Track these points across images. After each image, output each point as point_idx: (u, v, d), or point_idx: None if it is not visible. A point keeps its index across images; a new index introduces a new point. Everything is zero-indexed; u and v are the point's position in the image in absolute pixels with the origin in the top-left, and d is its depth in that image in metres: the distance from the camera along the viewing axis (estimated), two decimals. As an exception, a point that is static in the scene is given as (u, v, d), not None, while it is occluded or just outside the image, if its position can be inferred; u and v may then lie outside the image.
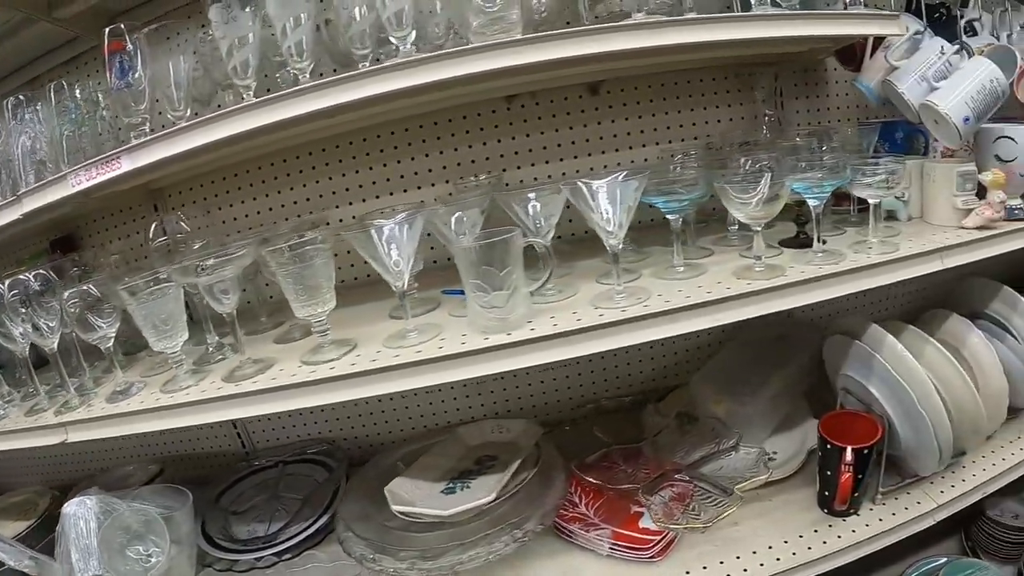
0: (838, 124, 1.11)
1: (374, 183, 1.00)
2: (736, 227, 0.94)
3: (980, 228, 0.90)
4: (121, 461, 1.11)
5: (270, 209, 1.02)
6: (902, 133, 1.02)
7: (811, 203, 0.81)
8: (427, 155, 0.99)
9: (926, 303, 1.17)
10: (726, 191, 0.76)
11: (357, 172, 0.99)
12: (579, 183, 0.73)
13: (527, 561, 0.88)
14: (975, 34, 1.02)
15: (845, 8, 0.89)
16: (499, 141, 1.00)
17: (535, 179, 1.01)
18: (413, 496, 0.89)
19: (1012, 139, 0.92)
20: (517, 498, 0.88)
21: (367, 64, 0.76)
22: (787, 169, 0.79)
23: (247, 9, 0.75)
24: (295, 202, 1.01)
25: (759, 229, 0.78)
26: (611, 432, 1.02)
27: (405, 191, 1.00)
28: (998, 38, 1.01)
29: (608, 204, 0.74)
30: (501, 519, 0.85)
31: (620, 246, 0.75)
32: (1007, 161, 0.93)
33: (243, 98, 0.76)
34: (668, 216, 0.81)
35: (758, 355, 1.03)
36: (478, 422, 1.01)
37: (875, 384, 0.89)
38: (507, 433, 0.99)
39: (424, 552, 0.81)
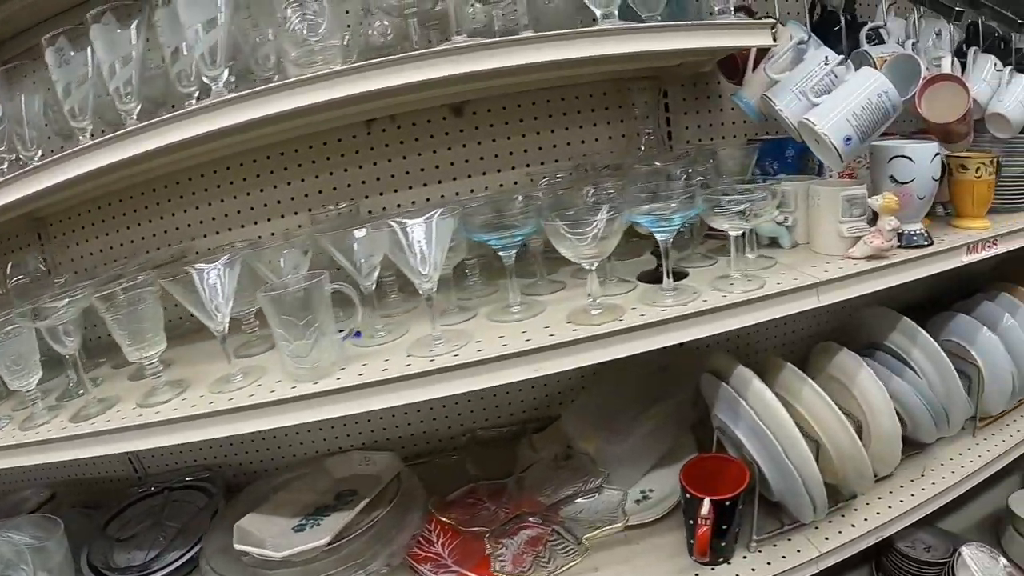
0: (724, 142, 1.03)
1: (239, 212, 0.97)
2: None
3: (869, 258, 0.83)
4: (17, 486, 1.14)
5: (143, 238, 1.01)
6: (793, 151, 0.94)
7: (659, 237, 0.75)
8: (289, 183, 0.95)
9: (839, 325, 1.09)
10: (556, 228, 0.71)
11: (222, 201, 0.97)
12: (392, 223, 0.69)
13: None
14: (880, 42, 0.93)
15: (712, 15, 0.81)
16: (360, 167, 0.95)
17: (398, 206, 0.97)
18: (263, 533, 0.87)
19: (909, 159, 0.84)
20: (368, 535, 0.86)
21: (193, 102, 0.74)
22: (632, 200, 0.74)
23: (81, 51, 0.74)
24: (165, 231, 1.00)
25: (592, 268, 0.72)
26: (486, 465, 0.99)
27: (269, 220, 0.96)
28: (904, 46, 0.91)
29: (423, 246, 0.69)
30: (349, 558, 0.83)
31: (435, 289, 0.71)
32: (903, 183, 0.84)
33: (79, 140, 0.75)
34: (501, 254, 0.76)
35: (637, 388, 0.98)
36: (346, 453, 0.99)
37: (742, 430, 0.83)
38: (372, 466, 0.97)
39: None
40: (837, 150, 0.78)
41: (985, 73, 0.93)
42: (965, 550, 0.98)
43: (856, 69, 0.82)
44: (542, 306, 0.78)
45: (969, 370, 0.97)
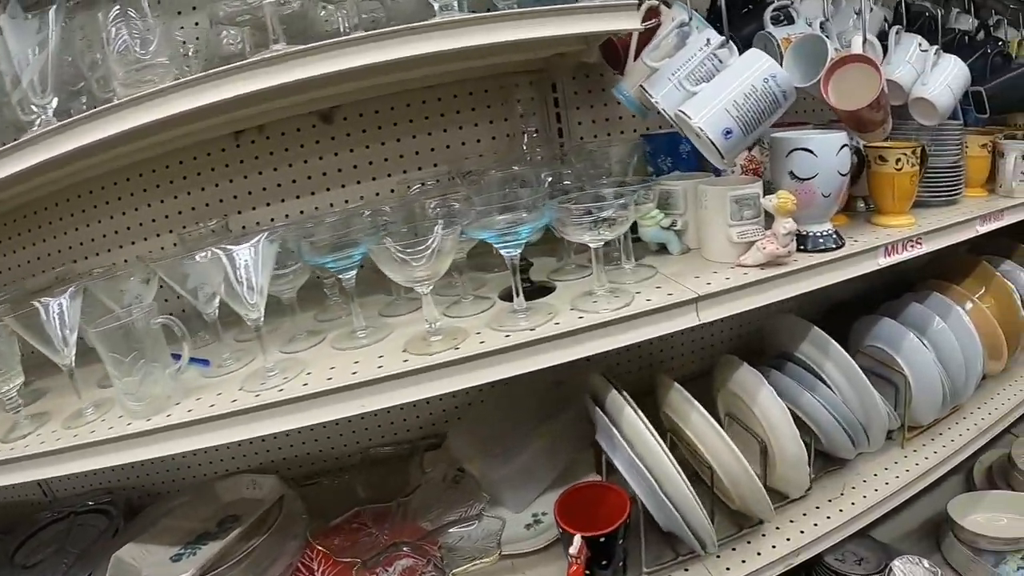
0: (611, 139, 0.94)
1: (116, 232, 0.94)
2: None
3: (763, 266, 0.74)
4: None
5: (28, 262, 0.99)
6: (688, 145, 0.85)
7: (504, 253, 0.68)
8: (162, 201, 0.91)
9: (758, 330, 1.00)
10: (384, 253, 0.64)
11: (99, 222, 0.94)
12: (216, 250, 0.64)
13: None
14: (790, 23, 0.83)
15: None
16: (231, 181, 0.90)
17: (272, 220, 0.92)
18: (141, 563, 0.85)
19: (811, 152, 0.74)
20: (242, 566, 0.83)
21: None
22: (468, 213, 0.67)
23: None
24: (49, 254, 0.97)
25: (427, 292, 0.66)
26: (377, 486, 0.95)
27: (146, 239, 0.93)
28: (811, 26, 0.81)
29: (249, 273, 0.64)
30: None
31: (262, 319, 0.66)
32: (805, 179, 0.75)
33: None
34: (340, 277, 0.71)
35: (530, 403, 0.92)
36: (235, 476, 0.96)
37: (619, 460, 0.76)
38: (258, 490, 0.94)
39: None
40: (715, 145, 0.69)
41: (909, 54, 0.82)
42: (897, 564, 0.90)
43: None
44: (390, 329, 0.73)
45: (895, 378, 0.88)
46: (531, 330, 0.66)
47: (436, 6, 0.67)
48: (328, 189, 0.91)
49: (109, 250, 0.95)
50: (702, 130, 0.69)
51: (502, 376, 0.65)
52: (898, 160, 0.80)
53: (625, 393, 0.76)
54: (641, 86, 0.76)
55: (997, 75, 0.96)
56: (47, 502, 1.12)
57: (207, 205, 0.92)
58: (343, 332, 0.74)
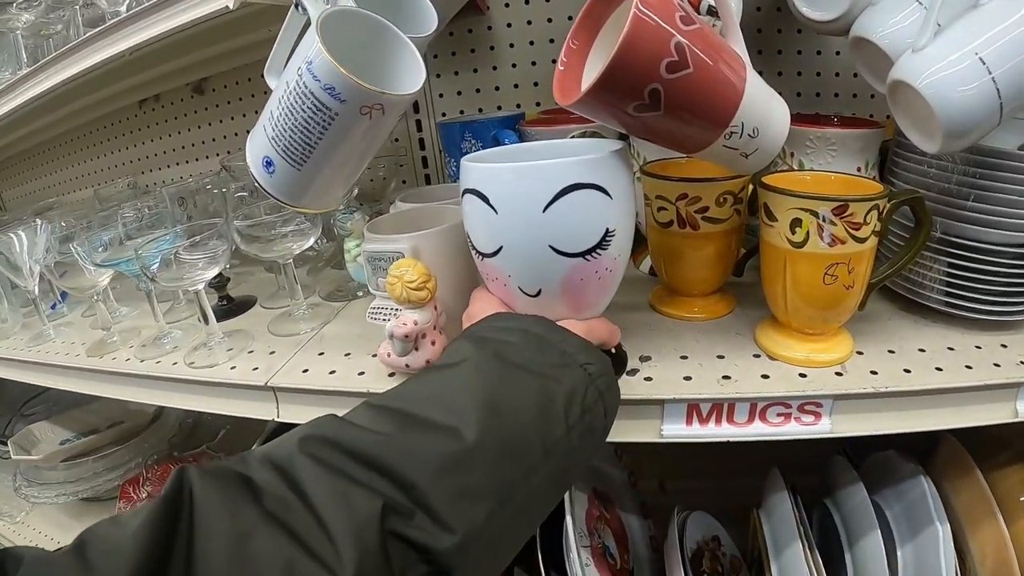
0: None
1: (47, 188, 1.18)
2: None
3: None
4: None
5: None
6: (477, 141, 0.66)
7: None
8: (85, 161, 1.10)
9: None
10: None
11: (36, 179, 1.19)
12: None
13: None
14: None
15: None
16: (136, 146, 1.04)
17: (174, 179, 1.02)
18: (41, 438, 1.07)
19: (484, 199, 0.40)
20: (104, 460, 1.01)
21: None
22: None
23: None
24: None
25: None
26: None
27: (72, 192, 1.15)
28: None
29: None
30: (75, 475, 1.00)
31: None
32: (483, 254, 0.40)
33: None
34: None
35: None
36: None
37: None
38: (149, 408, 1.10)
39: None
40: (259, 184, 0.46)
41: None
42: None
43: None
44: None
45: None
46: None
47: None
48: (207, 157, 0.98)
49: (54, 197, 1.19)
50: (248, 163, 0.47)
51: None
52: (794, 224, 0.42)
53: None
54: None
55: None
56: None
57: (121, 165, 1.08)
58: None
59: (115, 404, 1.13)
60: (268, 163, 0.46)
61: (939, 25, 0.40)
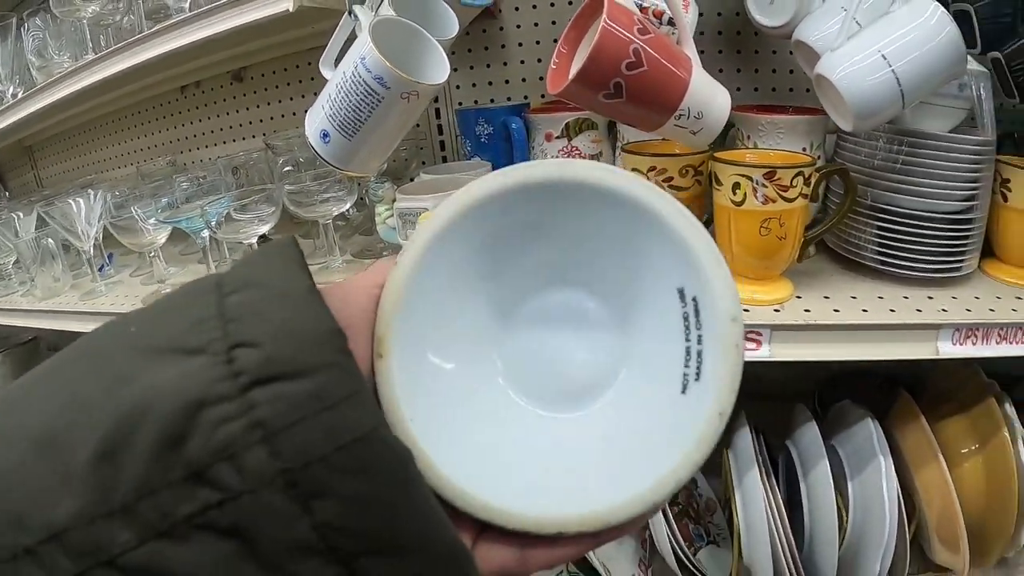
0: None
1: (96, 163, 1.31)
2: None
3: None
4: None
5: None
6: (489, 127, 0.78)
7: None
8: (128, 140, 1.23)
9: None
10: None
11: (88, 154, 1.31)
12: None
13: None
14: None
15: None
16: (175, 128, 1.16)
17: (215, 159, 1.12)
18: None
19: None
20: None
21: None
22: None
23: None
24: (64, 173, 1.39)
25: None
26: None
27: (118, 168, 1.28)
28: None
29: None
30: None
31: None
32: None
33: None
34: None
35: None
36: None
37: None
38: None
39: None
40: (315, 151, 0.59)
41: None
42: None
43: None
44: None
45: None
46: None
47: None
48: (244, 139, 1.10)
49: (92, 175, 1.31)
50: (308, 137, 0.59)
51: None
52: (735, 187, 0.55)
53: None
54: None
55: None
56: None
57: (160, 145, 1.19)
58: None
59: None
60: (324, 135, 0.59)
61: (860, 26, 0.52)
